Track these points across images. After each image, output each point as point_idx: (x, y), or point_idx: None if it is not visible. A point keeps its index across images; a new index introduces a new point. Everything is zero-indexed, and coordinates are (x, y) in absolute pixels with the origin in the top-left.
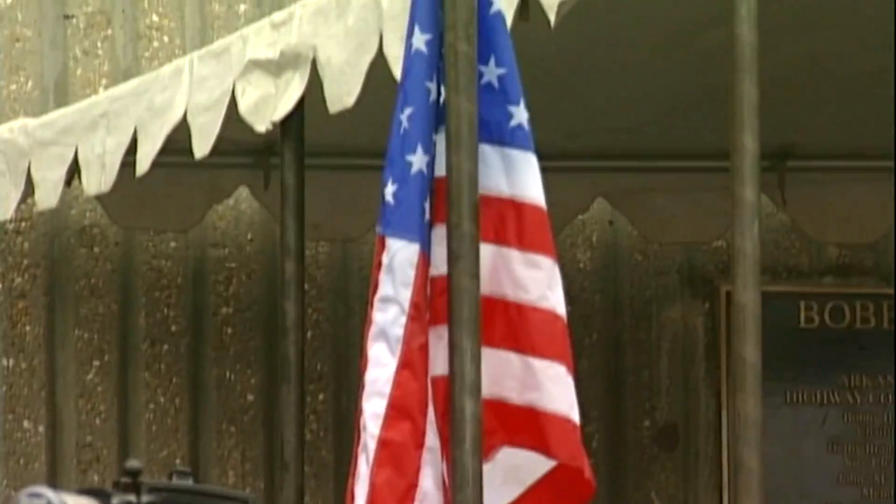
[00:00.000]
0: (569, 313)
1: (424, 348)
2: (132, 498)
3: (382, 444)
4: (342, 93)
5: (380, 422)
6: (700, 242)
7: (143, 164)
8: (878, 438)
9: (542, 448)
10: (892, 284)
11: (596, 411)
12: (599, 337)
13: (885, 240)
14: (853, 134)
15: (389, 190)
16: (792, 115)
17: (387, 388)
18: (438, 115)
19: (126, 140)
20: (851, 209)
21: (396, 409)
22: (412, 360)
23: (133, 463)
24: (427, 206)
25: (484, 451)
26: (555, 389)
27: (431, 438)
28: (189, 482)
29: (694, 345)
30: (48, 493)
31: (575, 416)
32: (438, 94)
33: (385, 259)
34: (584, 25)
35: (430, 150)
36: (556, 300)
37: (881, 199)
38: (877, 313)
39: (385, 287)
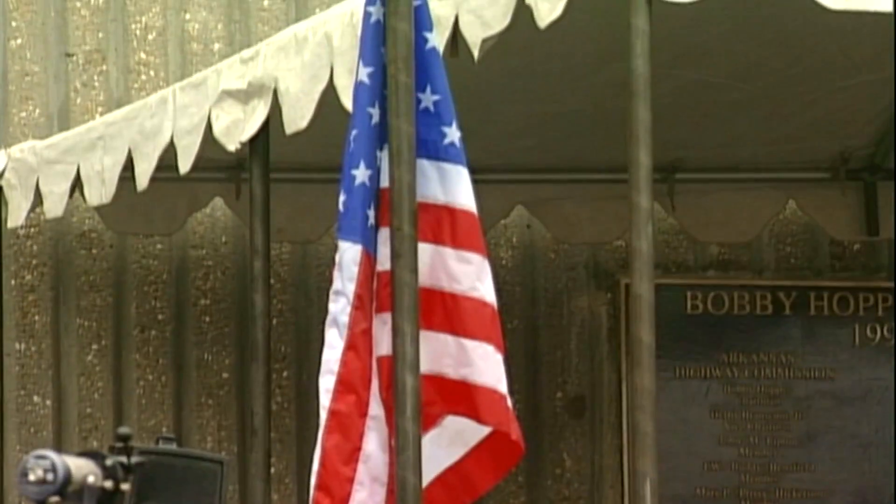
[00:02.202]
0: None
1: (367, 333)
2: (123, 459)
3: (332, 414)
4: (297, 117)
5: (330, 395)
6: (603, 242)
7: (142, 180)
8: (752, 406)
9: (474, 415)
10: (763, 277)
11: (517, 385)
12: (519, 322)
13: (758, 239)
14: (731, 151)
15: (341, 199)
16: (679, 135)
17: (336, 367)
18: (382, 135)
19: (122, 159)
20: (729, 214)
21: (343, 385)
22: (356, 342)
23: (124, 429)
24: (371, 212)
25: (429, 419)
26: (483, 365)
27: (375, 408)
28: (173, 446)
29: (598, 328)
30: (51, 454)
31: (502, 388)
32: (383, 117)
33: (337, 258)
34: (505, 60)
35: (372, 166)
36: (485, 290)
37: (754, 205)
38: (751, 301)
39: (336, 282)
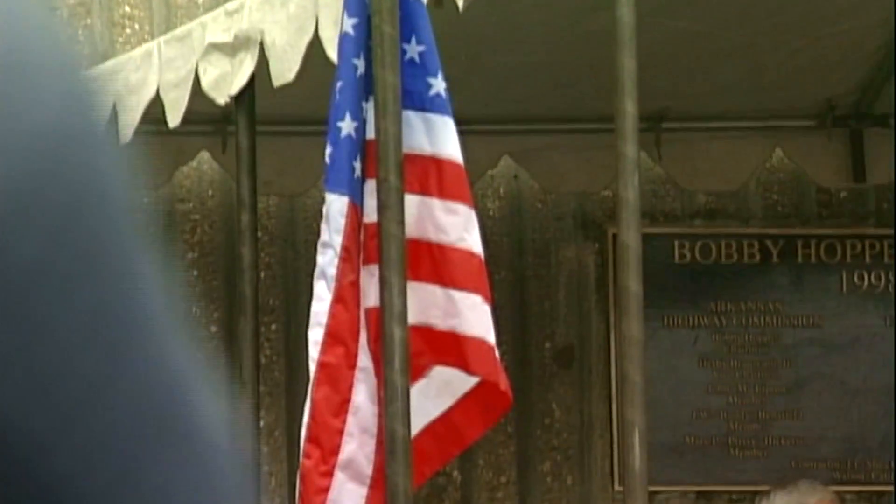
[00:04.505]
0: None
1: (355, 284)
2: None
3: (320, 366)
4: (284, 69)
5: (318, 348)
6: (590, 192)
7: (126, 134)
8: (740, 355)
9: (463, 366)
10: (750, 225)
11: (505, 336)
12: (507, 273)
13: (745, 188)
14: (717, 99)
15: (327, 151)
16: (666, 84)
17: (324, 319)
18: (367, 87)
19: (106, 113)
20: (716, 163)
21: (332, 337)
22: (344, 294)
23: None
24: (357, 164)
25: (416, 370)
26: (471, 316)
27: (364, 360)
28: None
29: (586, 278)
30: None
31: (490, 339)
32: (368, 68)
33: (324, 210)
34: (491, 9)
35: (357, 117)
36: (472, 241)
37: (741, 154)
38: (738, 250)
39: (323, 234)
